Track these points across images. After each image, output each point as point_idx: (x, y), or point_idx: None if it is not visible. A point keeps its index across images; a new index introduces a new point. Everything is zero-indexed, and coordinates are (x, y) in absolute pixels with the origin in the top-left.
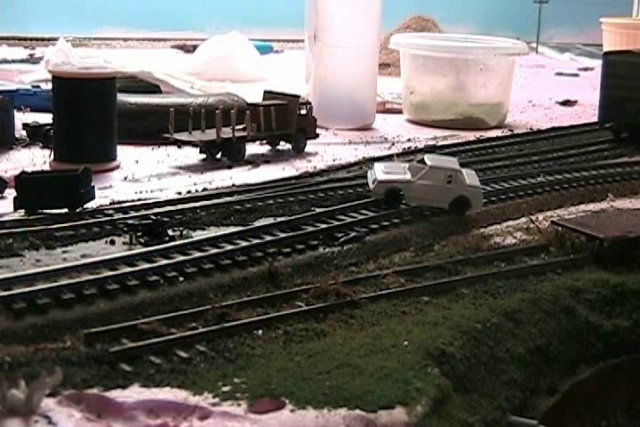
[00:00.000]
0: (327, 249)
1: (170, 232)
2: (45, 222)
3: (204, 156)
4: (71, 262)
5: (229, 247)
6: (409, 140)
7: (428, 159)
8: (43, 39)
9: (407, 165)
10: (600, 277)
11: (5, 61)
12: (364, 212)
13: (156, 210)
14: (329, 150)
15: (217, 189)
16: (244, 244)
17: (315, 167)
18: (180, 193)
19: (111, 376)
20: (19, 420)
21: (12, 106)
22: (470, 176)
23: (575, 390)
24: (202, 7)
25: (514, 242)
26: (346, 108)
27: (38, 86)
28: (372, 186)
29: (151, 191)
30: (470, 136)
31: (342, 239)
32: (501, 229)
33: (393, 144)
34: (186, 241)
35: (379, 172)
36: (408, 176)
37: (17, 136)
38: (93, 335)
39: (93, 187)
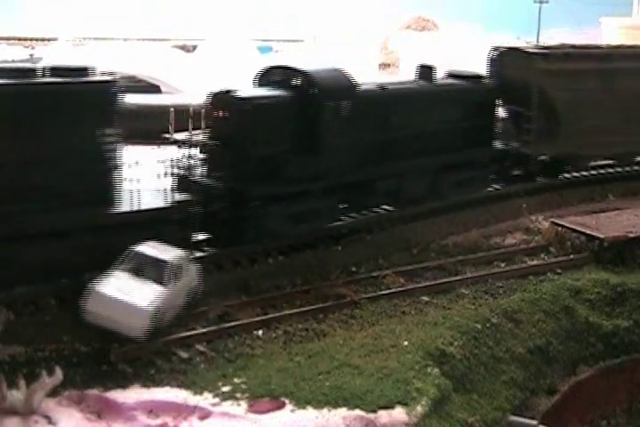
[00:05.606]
0: (327, 249)
1: None
2: None
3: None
4: None
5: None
6: None
7: None
8: (43, 39)
9: None
10: (600, 277)
11: (5, 61)
12: None
13: None
14: None
15: None
16: None
17: None
18: None
19: (111, 376)
20: (19, 420)
21: None
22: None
23: (575, 390)
24: (202, 7)
25: (514, 242)
26: None
27: None
28: None
29: None
30: None
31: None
32: (501, 229)
33: None
34: None
35: None
36: None
37: None
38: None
39: None
